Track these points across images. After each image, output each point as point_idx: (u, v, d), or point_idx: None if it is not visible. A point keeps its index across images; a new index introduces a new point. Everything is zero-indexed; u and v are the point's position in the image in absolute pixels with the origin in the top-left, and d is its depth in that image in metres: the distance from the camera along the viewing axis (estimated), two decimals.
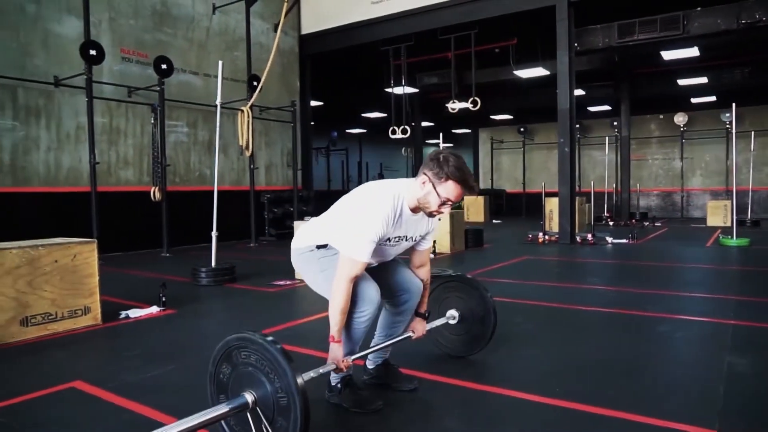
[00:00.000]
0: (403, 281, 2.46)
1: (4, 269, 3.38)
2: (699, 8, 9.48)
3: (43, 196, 7.65)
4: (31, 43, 7.52)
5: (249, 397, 1.80)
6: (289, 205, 10.91)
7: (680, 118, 16.82)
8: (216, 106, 6.20)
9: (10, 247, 3.45)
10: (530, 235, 9.74)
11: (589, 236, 9.11)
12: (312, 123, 15.29)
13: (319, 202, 10.30)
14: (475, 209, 16.50)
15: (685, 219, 16.48)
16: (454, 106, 11.10)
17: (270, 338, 1.80)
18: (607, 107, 17.51)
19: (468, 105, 10.93)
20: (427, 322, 2.75)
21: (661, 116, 17.81)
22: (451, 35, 10.67)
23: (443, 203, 2.16)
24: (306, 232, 2.40)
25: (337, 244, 2.24)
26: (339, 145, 23.24)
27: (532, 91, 15.44)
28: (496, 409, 2.37)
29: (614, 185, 16.57)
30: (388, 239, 2.24)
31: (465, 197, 17.27)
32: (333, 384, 2.37)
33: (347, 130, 24.19)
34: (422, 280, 2.50)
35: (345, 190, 22.06)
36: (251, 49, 10.34)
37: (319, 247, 2.31)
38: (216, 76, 9.99)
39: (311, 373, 2.03)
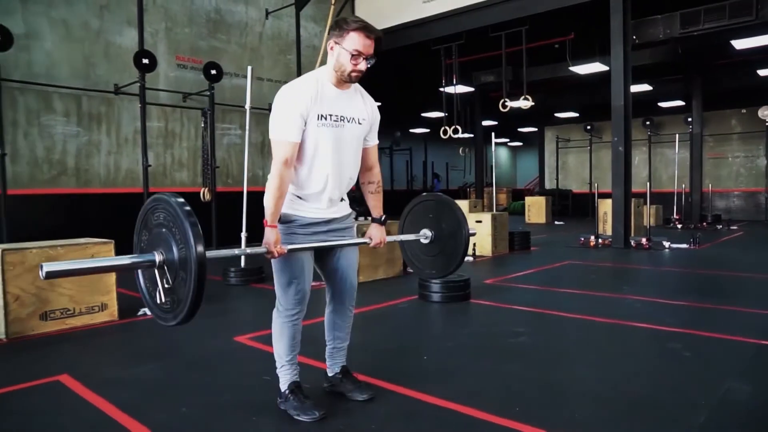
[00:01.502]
0: (344, 271, 2.54)
1: (24, 267, 3.68)
2: None
3: (103, 196, 8.22)
4: (94, 54, 8.08)
5: (157, 256, 1.84)
6: None
7: (765, 112, 15.47)
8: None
9: (31, 246, 3.74)
10: (582, 238, 9.34)
11: (644, 240, 8.60)
12: None
13: None
14: (536, 210, 15.98)
15: None
16: (507, 104, 10.84)
17: (175, 196, 1.82)
18: (680, 102, 16.41)
19: (521, 104, 10.65)
20: (397, 235, 2.79)
21: (744, 110, 16.45)
22: (502, 32, 10.43)
23: (354, 56, 2.19)
24: None
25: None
26: (403, 145, 23.27)
27: (597, 87, 14.75)
28: (443, 426, 2.30)
29: (683, 185, 15.51)
30: (325, 117, 2.23)
31: (532, 197, 16.57)
32: (282, 390, 2.40)
33: (411, 130, 24.20)
34: (372, 183, 2.54)
35: (409, 190, 21.54)
36: (304, 52, 10.60)
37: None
38: (269, 80, 10.46)
39: (241, 250, 2.16)
